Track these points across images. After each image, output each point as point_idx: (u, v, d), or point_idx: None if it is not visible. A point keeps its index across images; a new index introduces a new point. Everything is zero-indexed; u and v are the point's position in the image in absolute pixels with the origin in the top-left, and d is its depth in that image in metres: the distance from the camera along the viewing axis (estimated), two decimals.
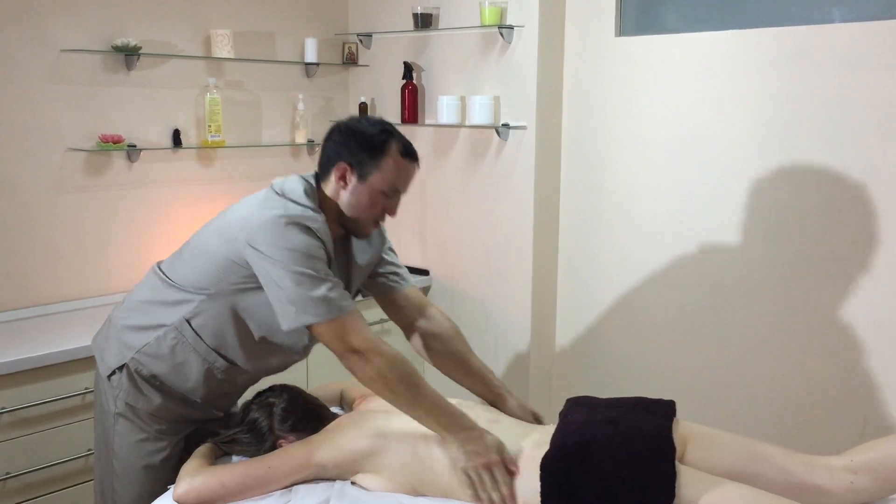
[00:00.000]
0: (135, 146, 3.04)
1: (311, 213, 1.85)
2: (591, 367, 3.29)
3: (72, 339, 2.59)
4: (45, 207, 2.88)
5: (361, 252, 2.09)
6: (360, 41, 3.68)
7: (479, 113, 3.21)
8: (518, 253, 3.25)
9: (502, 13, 3.14)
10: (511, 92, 3.19)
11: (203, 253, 1.94)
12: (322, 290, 1.78)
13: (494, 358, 3.38)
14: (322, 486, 1.86)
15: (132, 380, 1.99)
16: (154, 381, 1.99)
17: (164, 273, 2.02)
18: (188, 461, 1.95)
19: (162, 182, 3.19)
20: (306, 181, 1.94)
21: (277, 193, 1.88)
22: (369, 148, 1.89)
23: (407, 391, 1.81)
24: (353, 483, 1.87)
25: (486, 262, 3.38)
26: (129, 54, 2.98)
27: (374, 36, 3.64)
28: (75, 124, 2.92)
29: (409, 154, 1.93)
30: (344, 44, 3.69)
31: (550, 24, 3.12)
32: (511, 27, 3.13)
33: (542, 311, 3.31)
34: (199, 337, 1.95)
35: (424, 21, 3.35)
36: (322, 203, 1.93)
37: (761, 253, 2.78)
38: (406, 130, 3.52)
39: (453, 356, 2.21)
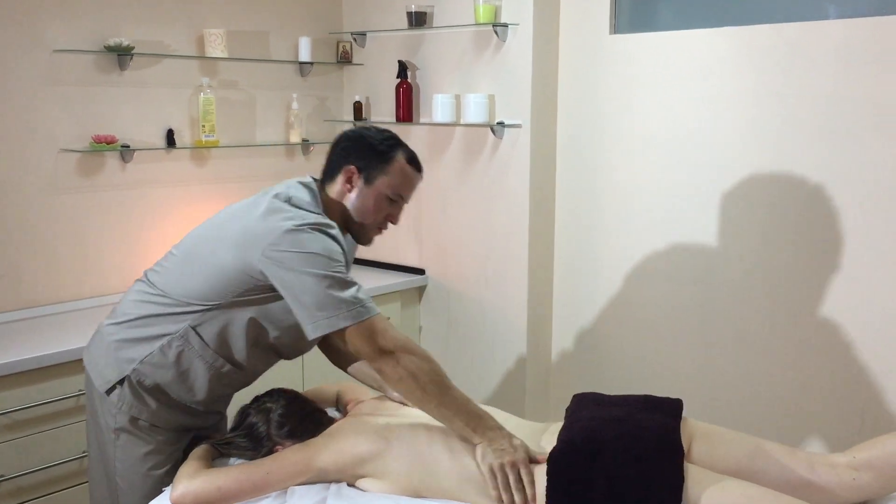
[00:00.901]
0: (128, 147, 3.02)
1: (326, 219, 1.86)
2: (589, 366, 3.28)
3: (66, 340, 2.58)
4: (38, 209, 2.87)
5: (349, 254, 2.11)
6: (355, 40, 3.67)
7: (474, 111, 3.20)
8: (514, 252, 3.25)
9: (496, 11, 3.13)
10: (506, 90, 3.18)
11: (207, 264, 1.89)
12: (352, 292, 1.78)
13: (490, 357, 3.38)
14: (318, 486, 1.85)
15: (135, 391, 1.95)
16: (156, 392, 1.96)
17: (157, 285, 1.97)
18: (185, 463, 1.94)
19: (156, 182, 3.17)
20: (308, 188, 1.93)
21: (284, 201, 1.86)
22: (377, 153, 1.95)
23: (437, 391, 1.80)
24: (350, 485, 1.87)
25: (482, 261, 3.37)
26: (122, 54, 2.96)
27: (368, 34, 3.63)
28: (68, 125, 2.90)
29: (414, 163, 2.00)
30: (338, 42, 3.68)
31: (545, 21, 3.12)
32: (505, 25, 3.12)
33: (539, 311, 3.31)
34: (206, 344, 1.93)
35: (418, 19, 3.35)
36: (325, 206, 1.94)
37: (758, 251, 2.78)
38: (401, 129, 3.53)
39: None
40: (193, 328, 1.92)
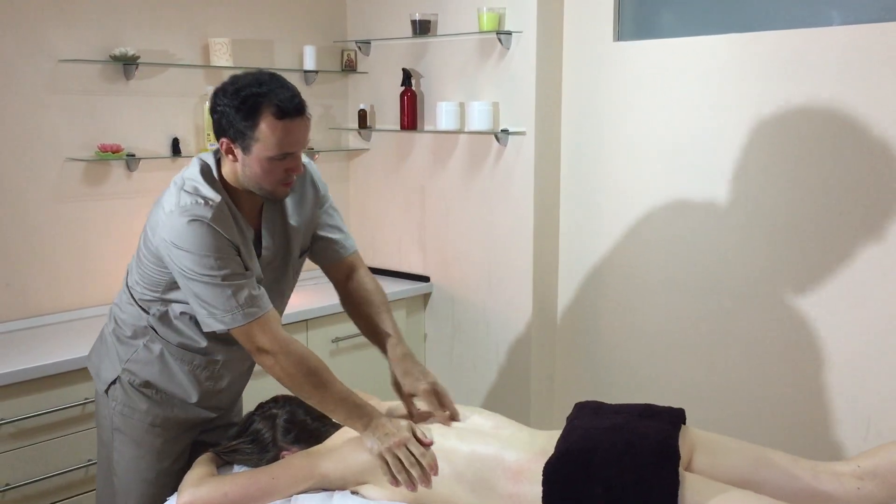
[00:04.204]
0: (134, 155, 3.03)
1: (201, 201, 1.78)
2: (593, 372, 3.28)
3: (71, 349, 2.58)
4: (44, 217, 2.88)
5: (295, 213, 2.02)
6: (359, 48, 3.68)
7: (478, 119, 3.20)
8: (518, 259, 3.25)
9: (500, 19, 3.13)
10: (510, 98, 3.19)
11: (139, 255, 1.94)
12: (225, 297, 1.77)
13: (495, 364, 3.37)
14: (322, 494, 1.86)
15: (126, 391, 2.00)
16: (148, 390, 2.00)
17: (130, 281, 2.02)
18: (190, 471, 1.95)
19: (161, 191, 3.16)
20: (203, 161, 1.88)
21: (179, 187, 1.83)
22: (244, 117, 1.75)
23: (314, 388, 1.84)
24: (353, 493, 1.87)
25: (486, 269, 3.37)
26: (127, 63, 2.97)
27: (372, 43, 3.64)
28: (74, 134, 2.91)
29: (288, 113, 1.76)
30: (343, 51, 3.69)
31: (548, 29, 3.12)
32: (509, 33, 3.12)
33: (543, 318, 3.30)
34: (167, 341, 1.97)
35: (423, 27, 3.35)
36: (225, 181, 1.88)
37: (762, 257, 2.78)
38: (405, 137, 3.55)
39: (361, 311, 2.15)
40: (154, 325, 1.96)
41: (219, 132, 1.82)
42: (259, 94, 1.75)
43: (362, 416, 1.85)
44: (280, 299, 2.07)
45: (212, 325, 1.81)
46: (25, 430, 2.45)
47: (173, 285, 1.88)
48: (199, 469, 1.94)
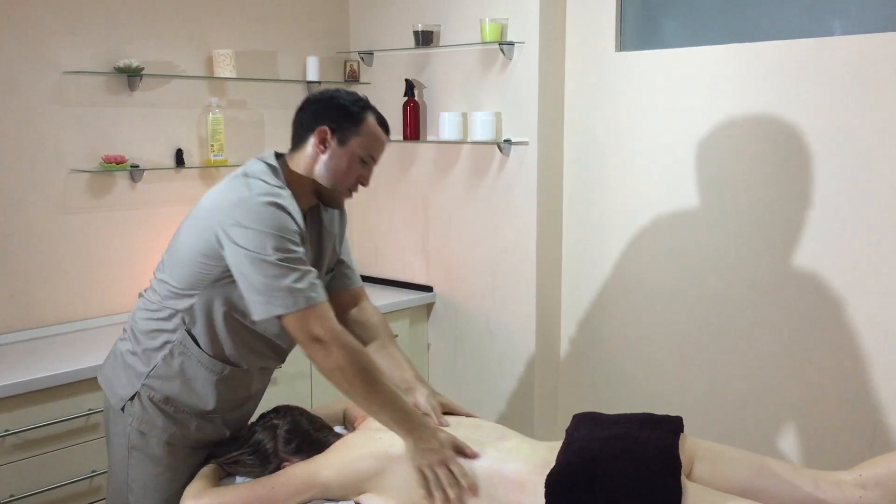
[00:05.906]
0: (138, 166, 3.05)
1: (276, 189, 1.85)
2: (597, 382, 3.27)
3: (76, 360, 2.59)
4: (48, 228, 2.89)
5: (331, 222, 2.11)
6: (362, 59, 3.70)
7: (481, 129, 3.21)
8: (521, 269, 3.25)
9: (503, 30, 3.14)
10: (512, 108, 3.20)
11: (183, 251, 1.91)
12: (289, 280, 1.76)
13: (499, 374, 3.37)
14: None
15: (145, 408, 1.96)
16: (167, 406, 1.96)
17: (152, 291, 2.00)
18: (192, 482, 1.95)
19: (165, 202, 3.19)
20: (265, 162, 1.94)
21: (241, 176, 1.88)
22: (348, 114, 1.94)
23: (364, 384, 1.81)
24: (355, 503, 1.87)
25: (489, 279, 3.37)
26: (131, 75, 2.99)
27: (375, 53, 3.66)
28: (78, 145, 2.93)
29: (384, 125, 2.01)
30: (345, 62, 3.70)
31: (551, 39, 3.13)
32: (511, 43, 3.13)
33: (547, 327, 3.30)
34: (202, 348, 1.94)
35: (425, 38, 3.36)
36: (289, 177, 1.94)
37: (766, 266, 2.78)
38: (408, 147, 3.56)
39: (373, 345, 2.17)
40: (188, 331, 1.93)
41: (313, 122, 1.94)
42: (366, 102, 1.99)
43: (408, 421, 1.83)
44: None
45: (268, 310, 1.77)
46: (30, 442, 2.45)
47: (217, 282, 1.86)
48: (200, 481, 1.94)
